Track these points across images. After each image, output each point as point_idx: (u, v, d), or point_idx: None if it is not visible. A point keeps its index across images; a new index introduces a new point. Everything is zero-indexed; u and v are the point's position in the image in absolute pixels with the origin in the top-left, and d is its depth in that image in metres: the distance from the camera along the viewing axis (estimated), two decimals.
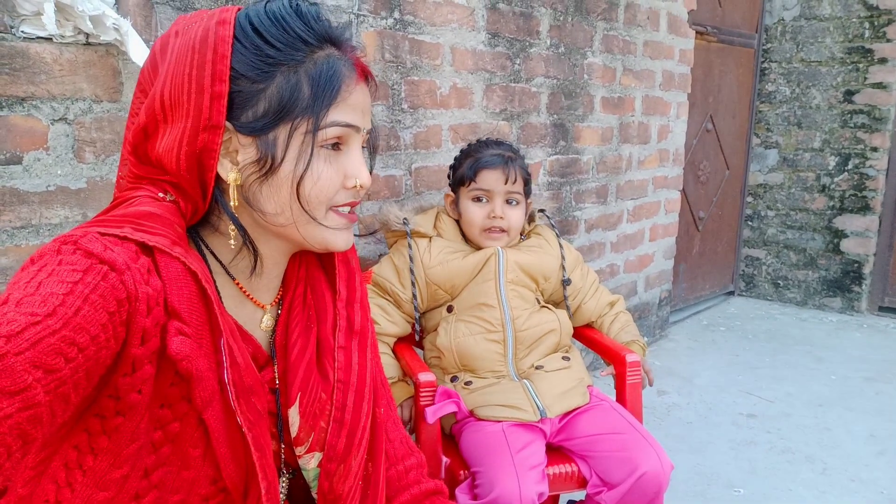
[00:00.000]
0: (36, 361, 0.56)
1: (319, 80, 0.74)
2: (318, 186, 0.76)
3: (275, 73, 0.73)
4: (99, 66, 1.31)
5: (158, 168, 0.76)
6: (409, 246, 1.57)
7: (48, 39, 1.24)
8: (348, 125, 0.76)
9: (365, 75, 0.80)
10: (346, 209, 0.81)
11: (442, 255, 1.57)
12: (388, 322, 1.56)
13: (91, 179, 1.33)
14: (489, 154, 1.57)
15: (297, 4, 0.76)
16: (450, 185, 1.68)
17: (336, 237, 0.80)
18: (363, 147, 0.83)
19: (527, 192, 1.62)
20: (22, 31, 1.20)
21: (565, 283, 1.66)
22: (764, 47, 3.97)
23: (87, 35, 1.27)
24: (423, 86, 1.96)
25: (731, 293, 4.24)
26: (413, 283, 1.55)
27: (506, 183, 1.55)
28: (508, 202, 1.57)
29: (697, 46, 3.28)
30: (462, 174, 1.60)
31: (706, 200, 3.83)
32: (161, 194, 0.76)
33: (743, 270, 4.23)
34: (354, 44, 0.81)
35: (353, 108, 0.77)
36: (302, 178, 0.75)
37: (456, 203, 1.63)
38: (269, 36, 0.73)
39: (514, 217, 1.58)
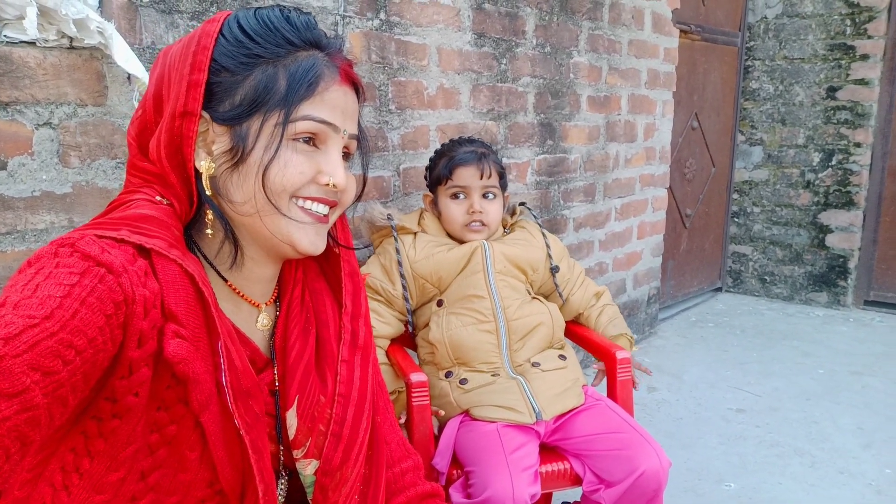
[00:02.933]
0: (34, 364, 0.56)
1: (296, 73, 0.75)
2: (284, 174, 0.76)
3: (254, 65, 0.75)
4: (83, 70, 1.30)
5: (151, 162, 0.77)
6: (396, 239, 1.58)
7: (31, 44, 1.23)
8: (323, 121, 0.77)
9: (350, 80, 0.81)
10: (313, 205, 0.79)
11: (427, 249, 1.59)
12: (381, 323, 1.56)
13: (77, 184, 1.32)
14: (463, 151, 1.62)
15: (288, 12, 0.78)
16: (427, 185, 1.72)
17: (300, 234, 0.79)
18: (349, 154, 0.84)
19: (503, 186, 1.66)
20: (4, 36, 1.19)
21: (554, 270, 1.69)
22: (747, 45, 4.01)
23: (71, 39, 1.26)
24: (410, 86, 1.96)
25: (719, 289, 4.27)
26: (402, 276, 1.56)
27: (481, 178, 1.59)
28: (485, 196, 1.62)
29: (681, 45, 3.31)
30: (438, 173, 1.64)
31: (693, 198, 3.86)
32: (158, 198, 0.77)
33: (730, 267, 4.26)
34: (344, 53, 0.82)
35: (330, 106, 0.77)
36: (269, 165, 0.75)
37: (435, 202, 1.67)
38: (253, 32, 0.76)
39: (493, 211, 1.62)
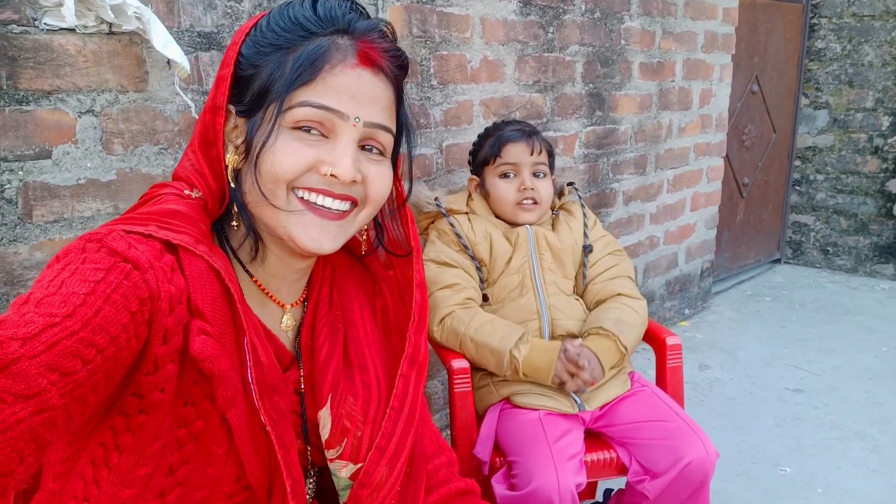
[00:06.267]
0: (51, 364, 0.55)
1: (300, 58, 0.72)
2: (273, 161, 0.72)
3: (270, 55, 0.74)
4: (123, 56, 1.29)
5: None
6: (452, 224, 1.53)
7: (71, 31, 1.22)
8: (324, 107, 0.72)
9: (374, 63, 0.75)
10: (317, 197, 0.75)
11: (485, 231, 1.53)
12: (469, 287, 1.48)
13: (121, 171, 1.32)
14: (510, 129, 1.57)
15: (316, 2, 0.75)
16: (471, 169, 1.66)
17: (297, 228, 0.75)
18: (379, 146, 0.78)
19: (551, 165, 1.61)
20: (45, 24, 1.19)
21: (586, 249, 1.59)
22: (813, 2, 3.77)
23: (110, 25, 1.26)
24: (453, 60, 1.90)
25: (778, 261, 4.11)
26: (467, 248, 1.51)
27: (531, 154, 1.54)
28: (535, 174, 1.56)
29: (742, 4, 3.12)
30: (486, 153, 1.59)
31: (751, 166, 3.69)
32: (188, 191, 0.76)
33: (790, 237, 4.09)
34: (374, 34, 0.76)
35: (335, 90, 0.72)
36: (259, 153, 0.73)
37: (482, 185, 1.61)
38: (274, 23, 0.75)
39: (544, 189, 1.56)
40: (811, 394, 2.48)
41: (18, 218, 1.21)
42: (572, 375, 1.36)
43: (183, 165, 0.79)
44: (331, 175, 0.73)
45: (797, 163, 3.98)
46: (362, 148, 0.77)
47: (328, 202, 0.75)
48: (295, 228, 0.74)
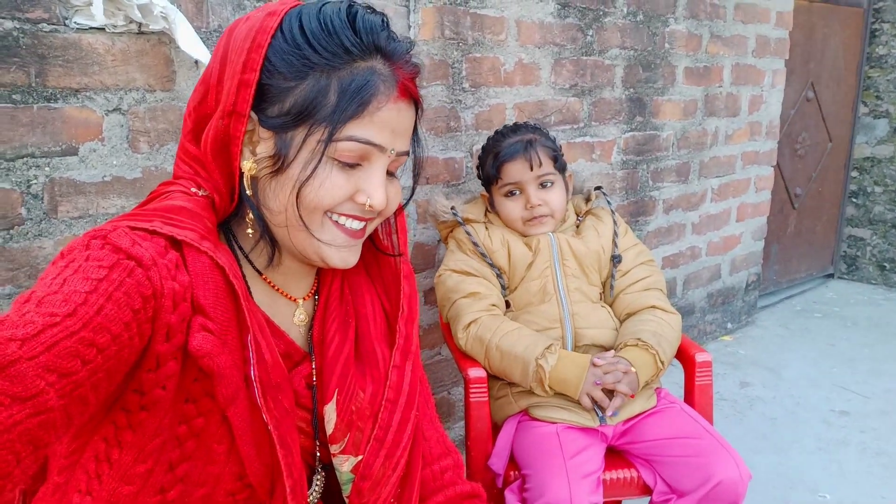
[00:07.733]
0: (50, 365, 0.54)
1: (348, 90, 0.71)
2: (318, 193, 0.73)
3: (308, 73, 0.71)
4: (151, 56, 1.31)
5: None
6: (469, 233, 1.50)
7: (101, 30, 1.24)
8: (369, 143, 0.73)
9: (409, 94, 0.75)
10: (347, 220, 0.77)
11: (503, 238, 1.50)
12: (490, 292, 1.45)
13: (146, 169, 1.34)
14: (507, 145, 1.49)
15: (355, 11, 0.73)
16: (482, 183, 1.60)
17: (331, 251, 0.77)
18: (397, 166, 0.79)
19: (560, 169, 1.52)
20: (75, 23, 1.22)
21: (615, 260, 1.52)
22: (874, 6, 3.60)
23: (139, 24, 1.27)
24: (486, 63, 1.87)
25: (831, 276, 3.94)
26: (484, 256, 1.48)
27: (532, 169, 1.46)
28: (543, 185, 1.48)
29: (798, 7, 3.00)
30: (488, 174, 1.53)
31: (804, 176, 3.54)
32: (194, 189, 0.76)
33: (844, 251, 3.91)
34: (408, 62, 0.76)
35: (379, 126, 0.73)
36: (304, 183, 0.73)
37: (492, 202, 1.56)
38: (311, 36, 0.71)
39: (554, 199, 1.49)
40: (858, 417, 2.35)
41: (44, 213, 1.23)
42: (603, 394, 1.31)
43: (181, 167, 0.78)
44: (368, 206, 0.75)
45: (854, 174, 3.80)
46: None
47: (356, 224, 0.78)
48: (328, 251, 0.77)
